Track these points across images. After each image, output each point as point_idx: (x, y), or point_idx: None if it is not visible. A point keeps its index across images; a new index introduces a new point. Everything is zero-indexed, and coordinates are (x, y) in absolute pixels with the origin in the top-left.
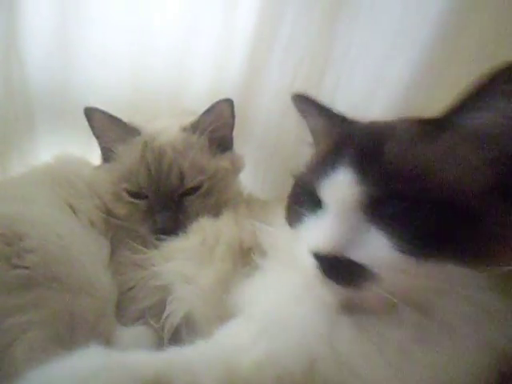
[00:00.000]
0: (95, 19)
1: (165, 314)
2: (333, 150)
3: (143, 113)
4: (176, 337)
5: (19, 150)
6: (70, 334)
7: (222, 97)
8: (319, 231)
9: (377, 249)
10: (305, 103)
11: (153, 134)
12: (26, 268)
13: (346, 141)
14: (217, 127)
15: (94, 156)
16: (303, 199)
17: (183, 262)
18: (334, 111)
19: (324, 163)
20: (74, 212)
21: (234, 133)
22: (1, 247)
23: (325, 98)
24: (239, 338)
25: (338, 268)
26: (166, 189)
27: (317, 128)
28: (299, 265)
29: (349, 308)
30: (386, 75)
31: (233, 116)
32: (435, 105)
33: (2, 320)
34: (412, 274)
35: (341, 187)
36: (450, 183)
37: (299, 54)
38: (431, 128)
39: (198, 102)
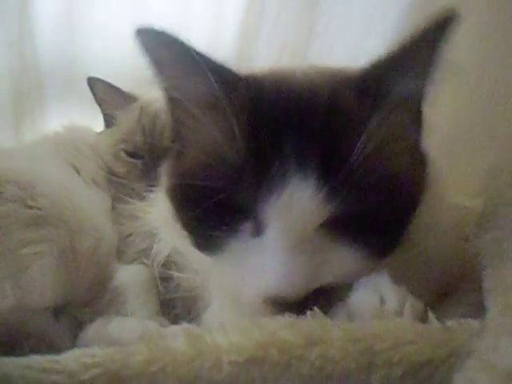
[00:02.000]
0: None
1: (153, 253)
2: (263, 140)
3: (142, 84)
4: (167, 275)
5: (32, 120)
6: (74, 265)
7: None
8: (275, 271)
9: (344, 265)
10: (163, 45)
11: (148, 101)
12: (39, 209)
13: (286, 127)
14: None
15: (99, 125)
16: (209, 214)
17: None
18: (221, 64)
19: (256, 166)
20: (78, 172)
21: None
22: (17, 191)
23: None
24: None
25: (299, 305)
26: (159, 149)
27: (187, 91)
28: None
29: None
30: (364, 48)
31: None
32: None
33: (19, 249)
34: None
35: (299, 208)
36: (397, 164)
37: (285, 30)
38: (376, 103)
39: None
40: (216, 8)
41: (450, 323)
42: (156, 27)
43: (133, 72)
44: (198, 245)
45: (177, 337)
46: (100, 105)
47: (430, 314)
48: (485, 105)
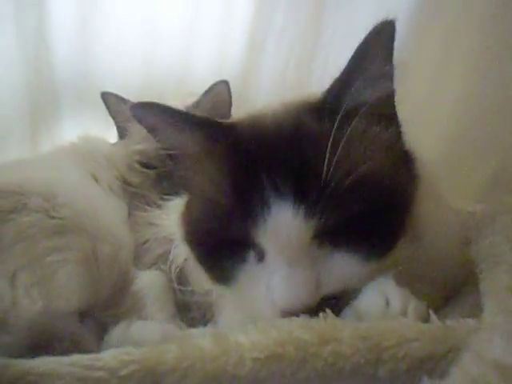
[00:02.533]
0: (111, 14)
1: (170, 258)
2: (247, 179)
3: (153, 96)
4: (183, 279)
5: (47, 131)
6: (97, 270)
7: None
8: (281, 287)
9: (345, 269)
10: (152, 115)
11: None
12: (61, 219)
13: (263, 161)
14: (215, 106)
15: (111, 136)
16: (219, 248)
17: None
18: (202, 117)
19: (246, 204)
20: (97, 181)
21: (234, 111)
22: (41, 202)
23: (315, 79)
24: None
25: (312, 311)
26: (171, 159)
27: (182, 147)
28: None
29: None
30: None
31: (229, 95)
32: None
33: (45, 257)
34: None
35: (285, 230)
36: (378, 169)
37: (291, 41)
38: (336, 121)
39: (201, 85)
40: (223, 22)
41: (449, 322)
42: (145, 101)
43: (142, 86)
44: (215, 279)
45: (204, 337)
46: (113, 117)
47: (432, 314)
48: (487, 112)
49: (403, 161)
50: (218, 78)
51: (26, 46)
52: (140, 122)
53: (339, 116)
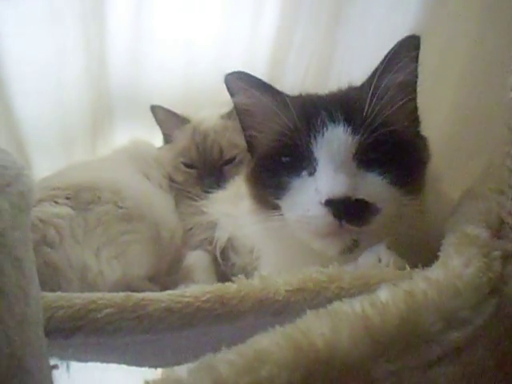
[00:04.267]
0: (157, 36)
1: (214, 240)
2: (311, 114)
3: (193, 106)
4: (225, 256)
5: (104, 137)
6: (158, 248)
7: None
8: (328, 181)
9: (375, 186)
10: (242, 81)
11: (199, 121)
12: (127, 208)
13: (323, 105)
14: None
15: (157, 141)
16: (278, 170)
17: (224, 204)
18: (279, 90)
19: (309, 127)
20: (148, 179)
21: None
22: (110, 195)
23: (331, 88)
24: None
25: (350, 209)
26: (210, 161)
27: (259, 104)
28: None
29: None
30: None
31: None
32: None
33: (118, 237)
34: (397, 203)
35: (337, 141)
36: (400, 128)
37: (309, 55)
38: (373, 90)
39: None
40: (251, 40)
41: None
42: (238, 70)
43: (184, 99)
44: (273, 194)
45: (254, 278)
46: (160, 126)
47: (406, 266)
48: (479, 115)
49: (418, 134)
50: None
51: (90, 68)
52: (230, 85)
53: (371, 85)
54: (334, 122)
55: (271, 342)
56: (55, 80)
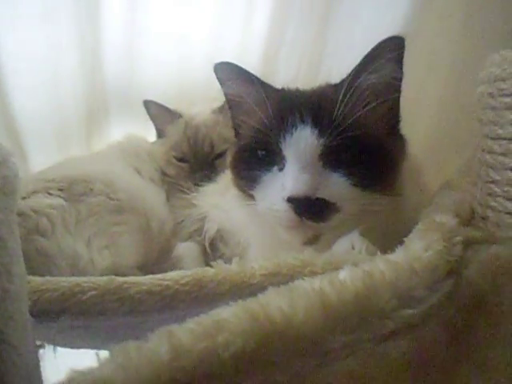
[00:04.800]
0: (151, 32)
1: (203, 231)
2: (285, 112)
3: (186, 101)
4: (214, 247)
5: (99, 133)
6: (149, 238)
7: None
8: (292, 179)
9: (337, 187)
10: (230, 72)
11: (191, 116)
12: (118, 200)
13: (296, 104)
14: None
15: (150, 136)
16: (254, 163)
17: (214, 196)
18: (264, 81)
19: (280, 125)
20: (139, 173)
21: None
22: (103, 187)
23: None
24: None
25: (310, 207)
26: (202, 155)
27: (244, 94)
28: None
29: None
30: None
31: None
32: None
33: (110, 228)
34: (359, 203)
35: (304, 141)
36: (371, 129)
37: (301, 52)
38: (345, 90)
39: None
40: (243, 36)
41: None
42: (226, 61)
43: (177, 93)
44: (246, 186)
45: (231, 263)
46: (153, 121)
47: (378, 252)
48: (463, 112)
49: (395, 134)
50: None
51: (85, 64)
52: (219, 75)
53: (345, 85)
54: (304, 122)
55: (230, 313)
56: (50, 75)
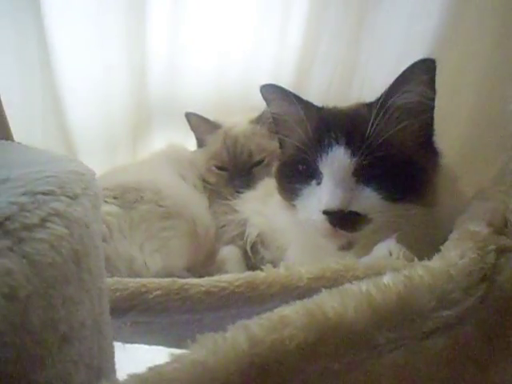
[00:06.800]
0: (192, 48)
1: (245, 236)
2: (322, 132)
3: (224, 112)
4: (255, 250)
5: (143, 142)
6: (197, 242)
7: None
8: (327, 195)
9: (369, 200)
10: (274, 92)
11: (230, 127)
12: (166, 207)
13: (332, 124)
14: None
15: (191, 145)
16: (295, 176)
17: (254, 202)
18: (305, 100)
19: (317, 145)
20: (184, 180)
21: None
22: (152, 196)
23: (353, 95)
24: None
25: (343, 219)
26: (240, 163)
27: (286, 113)
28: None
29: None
30: None
31: None
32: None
33: (160, 233)
34: (389, 214)
35: (338, 160)
36: (402, 146)
37: (334, 64)
38: (377, 111)
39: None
40: (278, 49)
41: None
42: (271, 83)
43: (216, 105)
44: (288, 197)
45: (280, 267)
46: (194, 131)
47: (415, 258)
48: (496, 119)
49: (427, 148)
50: None
51: (133, 80)
52: (265, 96)
53: (378, 105)
54: (338, 143)
55: (292, 310)
56: (102, 93)
